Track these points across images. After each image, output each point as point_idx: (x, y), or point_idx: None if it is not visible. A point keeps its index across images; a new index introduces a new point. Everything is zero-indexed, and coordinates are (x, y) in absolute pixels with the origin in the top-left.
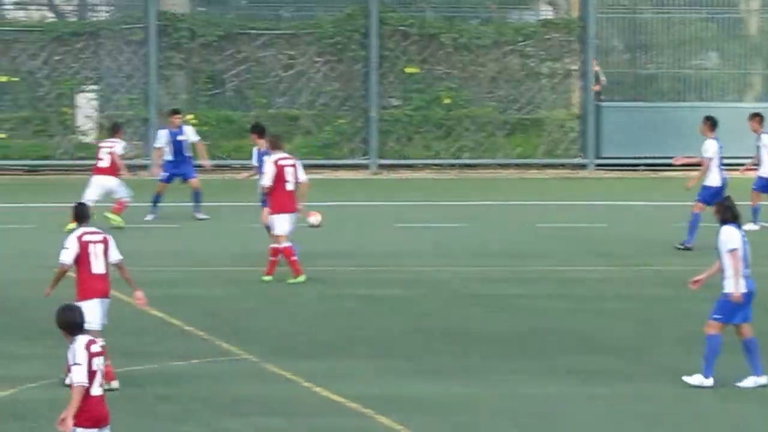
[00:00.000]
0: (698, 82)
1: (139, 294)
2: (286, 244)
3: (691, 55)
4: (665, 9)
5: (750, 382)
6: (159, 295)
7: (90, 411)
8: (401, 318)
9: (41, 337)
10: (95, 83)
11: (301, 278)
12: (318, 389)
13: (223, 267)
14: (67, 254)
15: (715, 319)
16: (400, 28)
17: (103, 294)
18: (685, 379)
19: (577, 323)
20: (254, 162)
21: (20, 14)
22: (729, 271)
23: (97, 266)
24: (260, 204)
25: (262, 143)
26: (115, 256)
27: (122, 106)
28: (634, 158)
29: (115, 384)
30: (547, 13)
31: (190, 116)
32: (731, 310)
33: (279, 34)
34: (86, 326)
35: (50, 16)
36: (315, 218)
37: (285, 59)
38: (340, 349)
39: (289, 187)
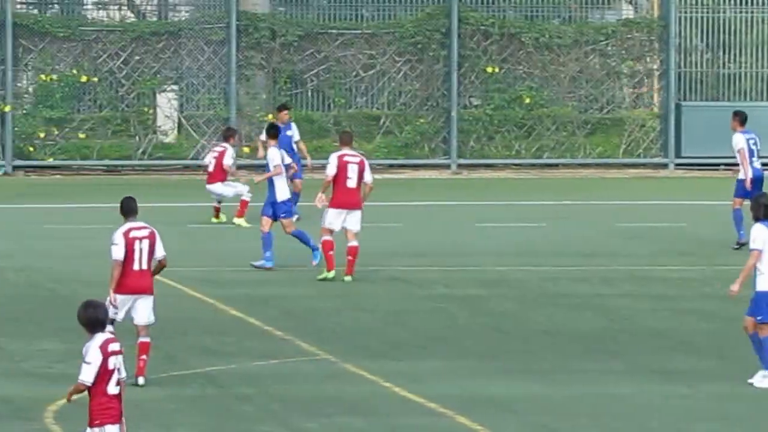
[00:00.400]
0: None
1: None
2: (327, 237)
3: None
4: (746, 8)
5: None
6: (238, 295)
7: (111, 408)
8: (480, 317)
9: (121, 337)
10: (175, 83)
11: (331, 274)
12: (397, 389)
13: (300, 267)
14: (117, 251)
15: (761, 320)
16: (480, 27)
17: (142, 290)
18: (751, 381)
19: (658, 323)
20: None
21: (101, 14)
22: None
23: (139, 262)
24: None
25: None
26: (160, 252)
27: (202, 105)
28: (715, 158)
29: (141, 381)
30: (628, 12)
31: (269, 116)
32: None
33: (359, 34)
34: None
35: (131, 16)
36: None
37: (365, 59)
38: (419, 349)
39: (350, 184)
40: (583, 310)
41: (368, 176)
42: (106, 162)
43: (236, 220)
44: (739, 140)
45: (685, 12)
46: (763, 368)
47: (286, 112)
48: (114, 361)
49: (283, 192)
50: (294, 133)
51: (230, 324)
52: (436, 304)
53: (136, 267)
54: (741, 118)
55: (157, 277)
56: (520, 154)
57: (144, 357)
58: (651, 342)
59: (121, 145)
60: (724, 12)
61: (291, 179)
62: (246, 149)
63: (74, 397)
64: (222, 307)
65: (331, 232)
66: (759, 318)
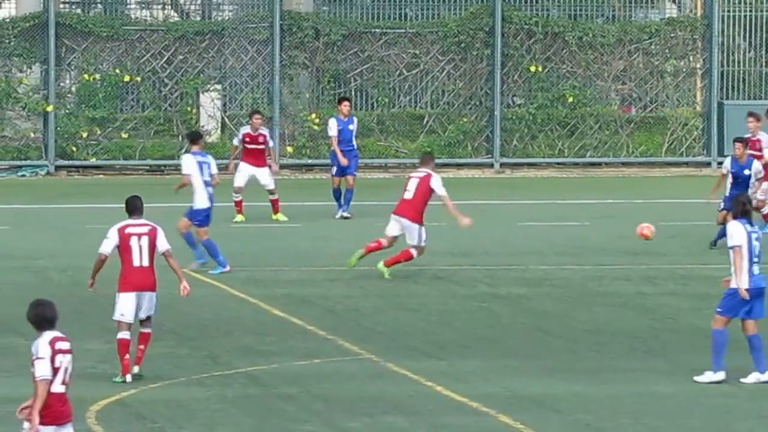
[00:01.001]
0: None
1: (185, 284)
2: (381, 240)
3: None
4: None
5: (752, 378)
6: (280, 294)
7: (50, 408)
8: (523, 317)
9: (164, 337)
10: (219, 82)
11: (387, 272)
12: (439, 388)
13: (342, 267)
14: (106, 244)
15: (718, 312)
16: (524, 26)
17: (143, 287)
18: (697, 378)
19: (700, 321)
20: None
21: (144, 14)
22: (732, 267)
23: (140, 259)
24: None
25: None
26: (162, 246)
27: (246, 105)
28: None
29: (136, 369)
30: (671, 11)
31: (312, 115)
32: (734, 306)
33: (403, 33)
34: (121, 319)
35: (174, 16)
36: (467, 221)
37: (408, 58)
38: (462, 348)
39: (407, 195)
40: (625, 309)
41: (439, 189)
42: (149, 162)
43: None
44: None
45: (729, 11)
46: (757, 371)
47: (346, 103)
48: (61, 359)
49: (199, 200)
50: (355, 127)
51: (273, 324)
52: (479, 303)
53: (136, 263)
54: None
55: (198, 276)
56: (563, 153)
57: (142, 347)
58: (693, 341)
59: (164, 144)
60: (766, 11)
61: (343, 175)
62: (289, 149)
63: (39, 402)
64: (265, 307)
65: (387, 237)
66: (719, 311)
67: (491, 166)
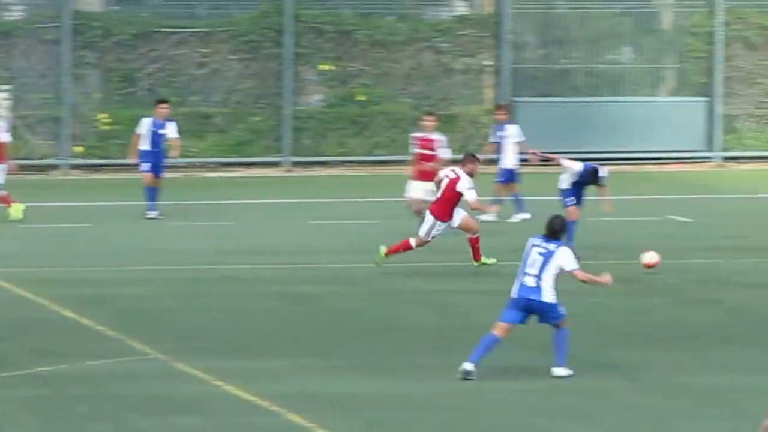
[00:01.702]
0: (612, 77)
1: None
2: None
3: (606, 50)
4: (580, 4)
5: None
6: (70, 295)
7: None
8: (315, 315)
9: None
10: (8, 83)
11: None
12: (229, 387)
13: (132, 266)
14: None
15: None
16: (315, 25)
17: None
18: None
19: (490, 318)
20: None
21: None
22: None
23: None
24: None
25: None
26: None
27: (35, 105)
28: (550, 153)
29: None
30: (461, 9)
31: (103, 115)
32: (505, 310)
33: (193, 32)
34: None
35: None
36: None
37: (199, 57)
38: (254, 347)
39: (438, 194)
40: (417, 306)
41: (467, 194)
42: None
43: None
44: None
45: (519, 8)
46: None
47: (164, 105)
48: None
49: None
50: (169, 130)
51: (62, 324)
52: (271, 302)
53: None
54: None
55: None
56: (353, 151)
57: None
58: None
59: None
60: (557, 8)
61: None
62: (79, 149)
63: None
64: (54, 307)
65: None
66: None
67: (281, 165)
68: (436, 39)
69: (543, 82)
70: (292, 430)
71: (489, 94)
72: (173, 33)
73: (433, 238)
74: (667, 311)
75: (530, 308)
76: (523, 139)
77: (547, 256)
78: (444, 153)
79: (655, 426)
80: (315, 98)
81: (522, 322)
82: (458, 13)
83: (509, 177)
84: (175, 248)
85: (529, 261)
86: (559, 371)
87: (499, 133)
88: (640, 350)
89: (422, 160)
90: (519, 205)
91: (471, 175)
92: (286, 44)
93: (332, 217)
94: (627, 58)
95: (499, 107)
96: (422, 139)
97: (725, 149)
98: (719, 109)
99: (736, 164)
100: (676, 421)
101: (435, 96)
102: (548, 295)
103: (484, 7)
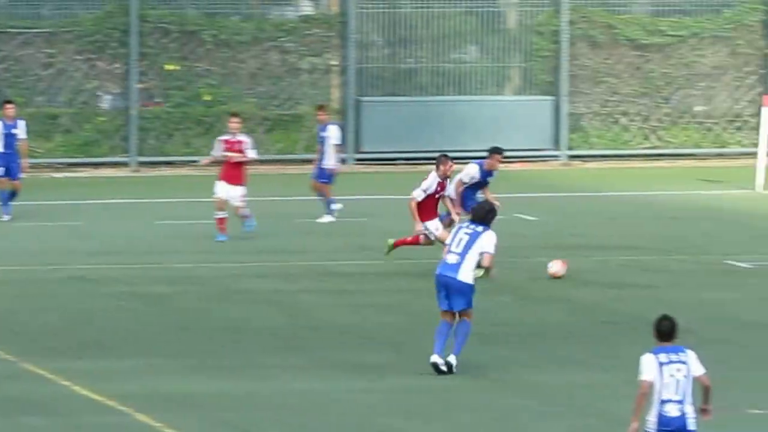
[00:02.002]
0: (458, 76)
1: None
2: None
3: (451, 48)
4: (425, 3)
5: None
6: None
7: None
8: (163, 315)
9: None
10: None
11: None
12: (77, 388)
13: None
14: None
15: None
16: (160, 25)
17: None
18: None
19: (339, 317)
20: None
21: None
22: None
23: None
24: None
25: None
26: None
27: None
28: (394, 153)
29: None
30: (307, 9)
31: None
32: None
33: (38, 33)
34: None
35: None
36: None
37: (44, 57)
38: (101, 347)
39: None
40: (264, 306)
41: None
42: None
43: None
44: None
45: (365, 8)
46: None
47: (11, 106)
48: None
49: None
50: (21, 131)
51: None
52: (118, 302)
53: None
54: None
55: None
56: (199, 152)
57: None
58: (332, 337)
59: None
60: (403, 8)
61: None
62: None
63: None
64: None
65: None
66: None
67: (128, 165)
68: (282, 39)
69: (389, 82)
70: (140, 430)
71: (335, 93)
72: (19, 33)
73: (431, 234)
74: (513, 310)
75: (447, 286)
76: (341, 142)
77: (474, 236)
78: (251, 154)
79: (506, 425)
80: (108, 98)
81: (451, 306)
82: (304, 13)
83: (329, 178)
84: (23, 249)
85: (456, 240)
86: (454, 359)
87: (321, 134)
88: (489, 349)
89: (230, 162)
90: (328, 206)
91: (445, 176)
92: (131, 44)
93: (180, 217)
94: (473, 57)
95: (320, 108)
96: (228, 142)
97: (571, 148)
98: (565, 107)
99: (581, 163)
100: (528, 420)
101: (281, 96)
102: (466, 276)
103: (330, 6)
